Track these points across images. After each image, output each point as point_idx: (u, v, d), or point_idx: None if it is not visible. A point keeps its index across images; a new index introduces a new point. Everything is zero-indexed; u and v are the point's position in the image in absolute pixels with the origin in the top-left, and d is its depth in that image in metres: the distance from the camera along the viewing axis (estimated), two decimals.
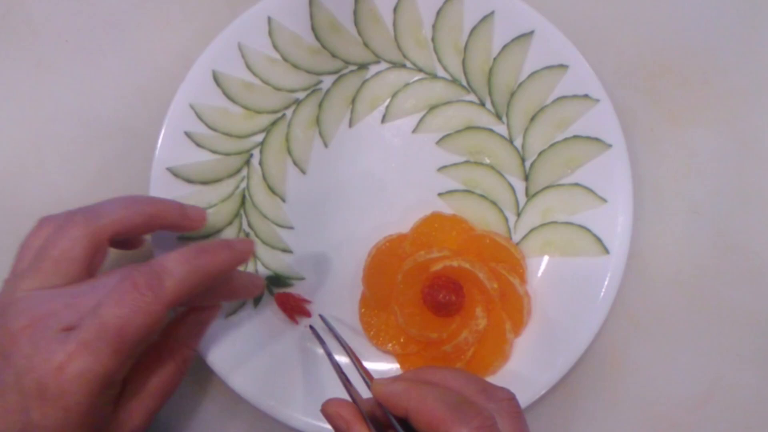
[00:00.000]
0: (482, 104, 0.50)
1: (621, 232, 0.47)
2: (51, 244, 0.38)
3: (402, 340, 0.47)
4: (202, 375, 0.48)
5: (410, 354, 0.47)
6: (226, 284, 0.43)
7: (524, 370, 0.46)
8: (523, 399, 0.45)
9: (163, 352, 0.42)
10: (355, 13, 0.50)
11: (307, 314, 0.48)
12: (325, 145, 0.50)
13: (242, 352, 0.47)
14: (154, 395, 0.40)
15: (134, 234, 0.42)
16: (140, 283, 0.36)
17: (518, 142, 0.49)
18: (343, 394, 0.39)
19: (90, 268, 0.39)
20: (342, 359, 0.44)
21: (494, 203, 0.49)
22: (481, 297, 0.46)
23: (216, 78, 0.49)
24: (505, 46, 0.49)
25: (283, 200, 0.50)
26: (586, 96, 0.48)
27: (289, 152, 0.50)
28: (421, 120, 0.50)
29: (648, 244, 0.49)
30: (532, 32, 0.49)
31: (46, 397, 0.34)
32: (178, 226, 0.44)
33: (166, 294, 0.36)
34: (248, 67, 0.50)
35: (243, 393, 0.46)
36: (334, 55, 0.51)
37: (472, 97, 0.50)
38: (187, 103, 0.49)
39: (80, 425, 0.35)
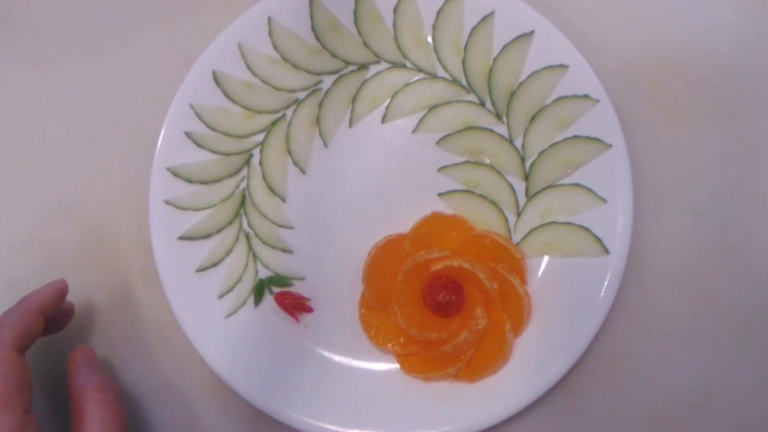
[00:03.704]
0: (482, 104, 0.50)
1: (621, 232, 0.47)
2: None
3: (402, 340, 0.47)
4: (202, 375, 0.48)
5: (410, 354, 0.47)
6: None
7: (524, 370, 0.46)
8: (524, 399, 0.45)
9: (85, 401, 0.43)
10: (355, 13, 0.50)
11: (308, 310, 0.48)
12: (325, 145, 0.50)
13: (242, 352, 0.47)
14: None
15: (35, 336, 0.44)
16: None
17: (518, 142, 0.49)
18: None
19: None
20: (341, 359, 0.44)
21: (494, 203, 0.49)
22: (481, 297, 0.46)
23: (216, 78, 0.49)
24: (505, 46, 0.49)
25: (283, 200, 0.50)
26: (586, 96, 0.48)
27: (289, 152, 0.50)
28: (421, 120, 0.50)
29: (648, 244, 0.49)
30: (532, 32, 0.49)
31: None
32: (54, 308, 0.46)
33: (4, 344, 0.41)
34: (248, 67, 0.50)
35: (243, 393, 0.46)
36: (334, 55, 0.51)
37: (472, 97, 0.50)
38: (187, 103, 0.49)
39: None
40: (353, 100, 0.51)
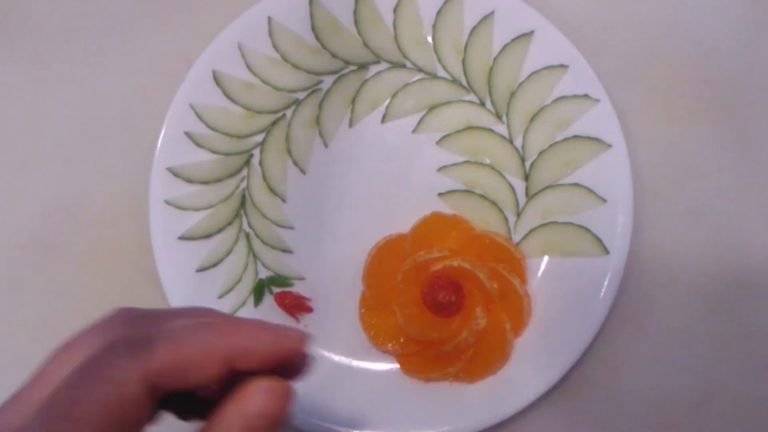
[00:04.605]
0: (482, 104, 0.50)
1: (621, 232, 0.47)
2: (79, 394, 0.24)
3: (402, 340, 0.47)
4: None
5: (410, 354, 0.47)
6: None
7: (524, 370, 0.46)
8: (524, 399, 0.45)
9: None
10: (355, 13, 0.50)
11: (308, 310, 0.48)
12: (325, 145, 0.50)
13: None
14: None
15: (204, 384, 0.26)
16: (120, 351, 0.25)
17: (518, 142, 0.49)
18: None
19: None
20: (341, 359, 0.44)
21: (494, 203, 0.49)
22: (481, 297, 0.46)
23: (216, 78, 0.49)
24: (505, 46, 0.49)
25: (283, 200, 0.50)
26: (585, 96, 0.48)
27: (289, 152, 0.50)
28: (421, 120, 0.50)
29: (648, 244, 0.49)
30: (532, 32, 0.49)
31: None
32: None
33: (146, 375, 0.25)
34: (248, 67, 0.50)
35: None
36: (334, 55, 0.51)
37: (472, 97, 0.50)
38: (187, 103, 0.49)
39: None
40: (353, 100, 0.51)
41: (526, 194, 0.49)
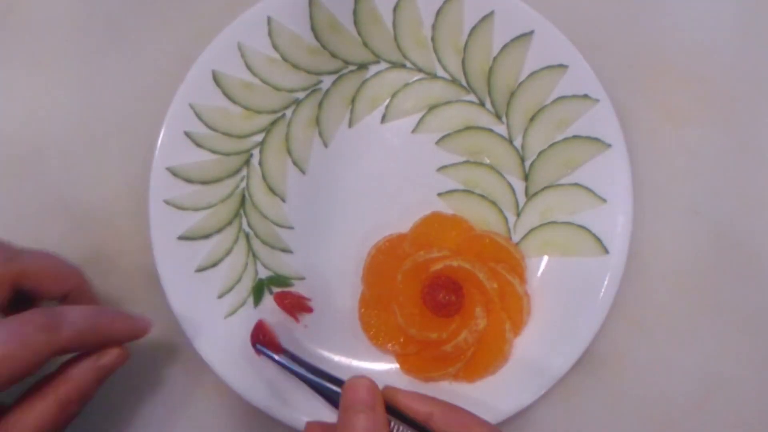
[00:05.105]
0: (482, 104, 0.50)
1: (621, 232, 0.47)
2: None
3: (402, 340, 0.47)
4: (201, 375, 0.48)
5: (410, 354, 0.47)
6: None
7: (524, 370, 0.46)
8: (523, 399, 0.45)
9: (46, 389, 0.39)
10: (355, 13, 0.50)
11: (308, 310, 0.48)
12: (325, 145, 0.50)
13: (242, 352, 0.47)
14: (26, 430, 0.37)
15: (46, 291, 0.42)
16: (38, 323, 0.36)
17: (518, 142, 0.49)
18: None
19: None
20: (341, 359, 0.44)
21: (494, 203, 0.49)
22: (481, 297, 0.46)
23: (216, 78, 0.49)
24: (504, 46, 0.49)
25: (283, 200, 0.50)
26: (585, 96, 0.48)
27: (289, 152, 0.50)
28: (420, 120, 0.50)
29: (648, 244, 0.49)
30: (532, 32, 0.49)
31: None
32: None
33: (59, 341, 0.37)
34: (248, 67, 0.50)
35: (243, 393, 0.46)
36: (334, 55, 0.51)
37: (471, 97, 0.50)
38: (187, 103, 0.49)
39: None
40: (353, 100, 0.51)
41: (526, 194, 0.49)
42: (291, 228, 0.50)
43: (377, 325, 0.47)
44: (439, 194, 0.49)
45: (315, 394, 0.44)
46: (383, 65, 0.51)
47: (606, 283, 0.46)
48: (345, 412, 0.37)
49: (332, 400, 0.43)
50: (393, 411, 0.38)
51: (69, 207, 0.52)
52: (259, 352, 0.46)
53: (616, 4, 0.53)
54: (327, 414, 0.44)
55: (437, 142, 0.50)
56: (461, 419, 0.37)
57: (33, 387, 0.39)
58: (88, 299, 0.44)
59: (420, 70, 0.51)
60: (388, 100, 0.51)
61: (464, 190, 0.49)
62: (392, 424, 0.38)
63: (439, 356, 0.46)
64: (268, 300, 0.49)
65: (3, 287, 0.40)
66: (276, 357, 0.45)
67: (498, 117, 0.50)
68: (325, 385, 0.43)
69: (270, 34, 0.50)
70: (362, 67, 0.51)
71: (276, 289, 0.49)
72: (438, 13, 0.50)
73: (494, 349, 0.46)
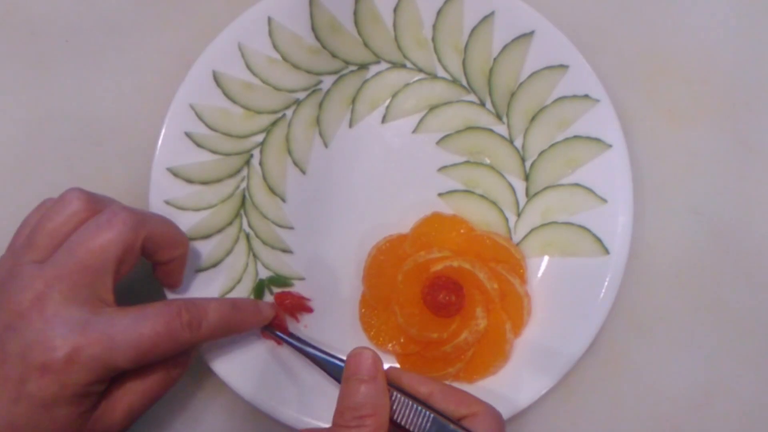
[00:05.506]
0: (482, 104, 0.50)
1: (621, 232, 0.47)
2: (84, 239, 0.39)
3: (402, 340, 0.47)
4: (201, 375, 0.48)
5: (410, 354, 0.47)
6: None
7: (524, 370, 0.46)
8: (524, 399, 0.45)
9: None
10: (355, 13, 0.50)
11: (308, 310, 0.48)
12: (325, 145, 0.50)
13: (242, 353, 0.47)
14: (138, 395, 0.41)
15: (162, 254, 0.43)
16: (184, 320, 0.39)
17: (518, 142, 0.50)
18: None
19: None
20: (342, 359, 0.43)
21: (494, 203, 0.49)
22: (482, 297, 0.46)
23: (216, 78, 0.49)
24: (505, 46, 0.49)
25: (283, 200, 0.50)
26: (586, 96, 0.48)
27: (289, 152, 0.50)
28: (421, 120, 0.50)
29: (648, 244, 0.49)
30: (532, 32, 0.49)
31: (49, 371, 0.36)
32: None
33: (199, 336, 0.40)
34: (248, 67, 0.50)
35: (243, 393, 0.46)
36: (334, 56, 0.51)
37: (472, 97, 0.50)
38: (187, 103, 0.49)
39: (69, 404, 0.36)
40: (353, 101, 0.51)
41: (527, 194, 0.49)
42: (291, 228, 0.50)
43: (378, 325, 0.47)
44: (440, 194, 0.49)
45: (321, 373, 0.45)
46: (384, 65, 0.51)
47: (606, 283, 0.46)
48: (348, 380, 0.39)
49: (337, 377, 0.43)
50: (394, 387, 0.40)
51: None
52: (265, 333, 0.46)
53: (617, 5, 0.53)
54: (327, 415, 0.44)
55: (438, 143, 0.50)
56: (460, 396, 0.39)
57: None
58: (183, 267, 0.45)
59: (420, 70, 0.51)
60: (388, 101, 0.51)
61: (465, 191, 0.49)
62: (393, 394, 0.39)
63: (440, 356, 0.46)
64: (269, 300, 0.49)
65: (135, 252, 0.41)
66: (284, 337, 0.46)
67: (498, 117, 0.50)
68: (330, 360, 0.44)
69: (270, 34, 0.50)
70: (363, 67, 0.51)
71: (276, 290, 0.49)
72: (438, 13, 0.50)
73: (494, 349, 0.46)
